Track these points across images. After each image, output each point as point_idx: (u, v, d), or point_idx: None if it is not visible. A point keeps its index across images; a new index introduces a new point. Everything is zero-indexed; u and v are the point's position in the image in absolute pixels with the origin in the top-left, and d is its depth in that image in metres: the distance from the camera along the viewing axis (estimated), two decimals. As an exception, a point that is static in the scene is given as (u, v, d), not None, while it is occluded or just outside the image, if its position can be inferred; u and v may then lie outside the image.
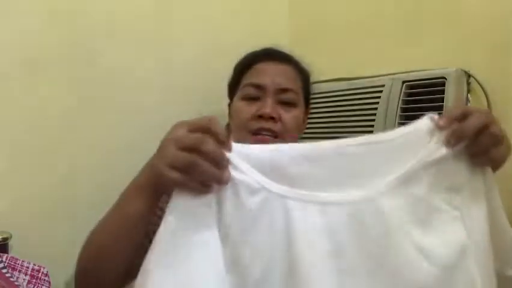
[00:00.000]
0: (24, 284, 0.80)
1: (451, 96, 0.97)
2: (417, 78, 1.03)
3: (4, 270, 0.77)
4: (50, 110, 0.99)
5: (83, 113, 1.04)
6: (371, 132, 1.08)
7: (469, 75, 1.00)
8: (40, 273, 0.83)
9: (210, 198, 0.58)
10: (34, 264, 0.83)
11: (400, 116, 1.03)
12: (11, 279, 0.77)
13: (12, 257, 0.82)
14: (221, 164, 0.56)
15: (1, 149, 0.93)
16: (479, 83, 0.99)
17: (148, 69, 1.14)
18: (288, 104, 0.91)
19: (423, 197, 0.59)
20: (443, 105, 0.97)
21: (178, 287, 0.55)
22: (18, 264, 0.81)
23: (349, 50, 1.27)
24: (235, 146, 0.59)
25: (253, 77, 0.93)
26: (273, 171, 0.59)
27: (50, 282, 0.84)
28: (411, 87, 1.04)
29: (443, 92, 0.97)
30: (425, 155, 0.59)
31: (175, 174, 0.56)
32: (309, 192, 0.59)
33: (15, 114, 0.95)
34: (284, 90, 0.90)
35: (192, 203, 0.57)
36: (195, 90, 1.21)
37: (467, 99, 1.00)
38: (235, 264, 0.57)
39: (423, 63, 1.05)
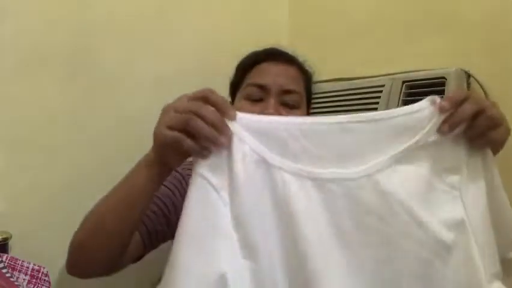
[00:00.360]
0: (24, 284, 0.80)
1: (451, 96, 0.97)
2: (417, 78, 1.03)
3: (4, 270, 0.77)
4: (50, 110, 0.99)
5: (83, 112, 1.04)
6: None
7: (469, 75, 1.00)
8: (40, 273, 0.83)
9: (219, 179, 0.59)
10: (34, 264, 0.83)
11: (400, 116, 1.03)
12: (11, 279, 0.77)
13: (12, 257, 0.81)
14: (220, 127, 0.58)
15: (1, 149, 0.93)
16: (479, 83, 0.99)
17: (148, 69, 1.14)
18: (291, 106, 0.90)
19: (422, 176, 0.60)
20: (443, 105, 0.97)
21: (197, 281, 0.57)
22: (18, 264, 0.81)
23: (349, 50, 1.27)
24: (238, 114, 0.60)
25: (256, 77, 0.92)
26: (273, 143, 0.60)
27: (50, 282, 0.84)
28: (411, 87, 1.04)
29: (443, 92, 0.97)
30: (424, 136, 0.59)
31: (171, 132, 0.58)
32: (306, 168, 0.60)
33: (15, 114, 0.95)
34: (287, 92, 0.90)
35: (204, 191, 0.59)
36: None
37: (467, 99, 1.00)
38: (248, 248, 0.58)
39: (423, 63, 1.05)
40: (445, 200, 0.60)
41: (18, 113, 0.96)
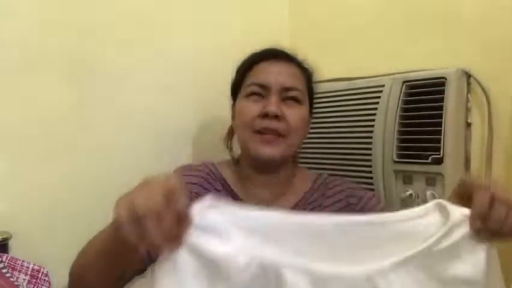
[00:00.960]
0: (24, 284, 0.80)
1: (451, 96, 0.97)
2: (417, 78, 1.03)
3: (4, 270, 0.77)
4: (50, 110, 0.99)
5: (83, 113, 1.04)
6: (371, 132, 1.08)
7: (469, 75, 1.00)
8: (40, 273, 0.83)
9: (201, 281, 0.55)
10: (34, 264, 0.83)
11: (400, 116, 1.03)
12: (11, 279, 0.77)
13: (12, 257, 0.82)
14: (170, 238, 0.55)
15: (1, 149, 0.93)
16: (479, 83, 0.99)
17: (147, 70, 1.14)
18: (293, 102, 0.91)
19: (426, 283, 0.57)
20: (443, 105, 0.97)
21: None
22: (18, 264, 0.81)
23: (349, 50, 1.27)
24: (227, 208, 0.58)
25: (256, 76, 0.92)
26: (268, 238, 0.58)
27: (50, 283, 0.84)
28: (411, 87, 1.04)
29: (443, 92, 0.98)
30: (433, 244, 0.57)
31: (124, 219, 0.54)
32: (303, 263, 0.57)
33: (15, 115, 0.95)
34: (289, 89, 0.90)
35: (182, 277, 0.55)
36: (195, 90, 1.21)
37: (467, 99, 1.00)
38: None
39: (423, 63, 1.05)
40: None
41: (19, 113, 0.95)
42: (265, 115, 0.88)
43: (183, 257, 0.56)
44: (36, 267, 0.83)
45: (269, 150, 0.88)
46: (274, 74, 0.90)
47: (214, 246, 0.56)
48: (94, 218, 1.04)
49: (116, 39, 1.08)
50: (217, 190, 0.93)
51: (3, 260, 0.79)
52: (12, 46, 0.94)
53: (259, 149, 0.88)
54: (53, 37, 0.99)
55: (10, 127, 0.94)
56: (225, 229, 0.56)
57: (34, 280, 0.82)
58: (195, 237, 0.56)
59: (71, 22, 1.02)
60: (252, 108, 0.90)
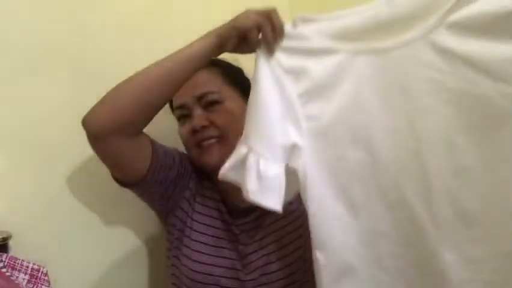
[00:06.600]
0: (24, 283, 0.80)
1: (451, 95, 0.97)
2: (417, 77, 1.02)
3: (4, 270, 0.77)
4: (50, 109, 0.99)
5: (83, 113, 1.04)
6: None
7: (468, 75, 1.00)
8: (40, 273, 0.83)
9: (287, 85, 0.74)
10: (34, 264, 0.83)
11: (400, 115, 1.03)
12: (11, 278, 0.77)
13: (12, 257, 0.82)
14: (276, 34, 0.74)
15: (1, 149, 0.93)
16: (479, 82, 0.98)
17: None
18: (213, 105, 0.94)
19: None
20: (442, 104, 0.96)
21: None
22: (18, 263, 0.81)
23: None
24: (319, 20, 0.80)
25: (174, 99, 0.96)
26: (343, 36, 0.75)
27: (49, 282, 0.84)
28: (411, 86, 1.03)
29: (442, 90, 0.97)
30: None
31: (256, 16, 0.73)
32: (367, 44, 0.71)
33: (15, 114, 0.95)
34: (202, 96, 0.94)
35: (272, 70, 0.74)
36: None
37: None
38: (314, 107, 0.74)
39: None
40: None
41: (19, 112, 0.96)
42: (194, 131, 0.93)
43: (278, 57, 0.75)
44: (36, 267, 0.83)
45: (213, 158, 0.92)
46: (187, 90, 0.92)
47: (307, 44, 0.76)
48: (94, 217, 1.05)
49: (117, 38, 1.08)
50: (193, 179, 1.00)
51: (3, 259, 0.79)
52: (12, 46, 0.95)
53: (204, 160, 0.94)
54: (53, 36, 0.99)
55: (10, 127, 0.94)
56: (313, 35, 0.77)
57: (34, 280, 0.82)
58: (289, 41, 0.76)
59: (71, 21, 1.02)
60: (184, 130, 0.96)
